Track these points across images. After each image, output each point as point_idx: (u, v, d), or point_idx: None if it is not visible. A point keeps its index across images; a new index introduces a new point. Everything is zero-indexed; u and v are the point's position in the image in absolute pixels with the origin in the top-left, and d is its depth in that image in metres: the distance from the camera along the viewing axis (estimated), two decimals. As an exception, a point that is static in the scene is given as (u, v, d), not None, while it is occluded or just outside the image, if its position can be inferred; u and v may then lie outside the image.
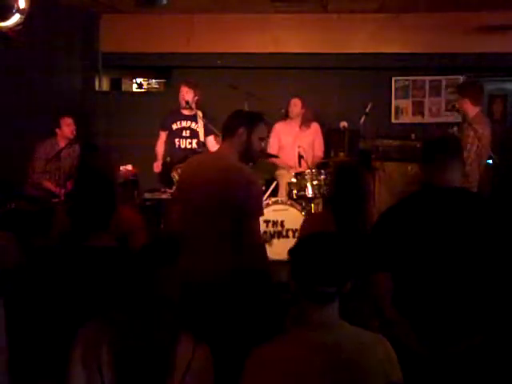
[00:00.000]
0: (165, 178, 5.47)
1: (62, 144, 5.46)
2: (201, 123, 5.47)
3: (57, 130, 5.49)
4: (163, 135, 5.55)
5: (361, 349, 1.77)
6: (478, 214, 2.32)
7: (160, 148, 5.56)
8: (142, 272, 1.84)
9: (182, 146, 5.50)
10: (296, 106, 5.86)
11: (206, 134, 5.54)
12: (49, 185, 5.34)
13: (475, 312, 2.25)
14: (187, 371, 1.81)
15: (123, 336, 1.81)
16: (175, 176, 5.38)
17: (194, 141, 5.51)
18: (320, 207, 5.41)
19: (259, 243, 2.91)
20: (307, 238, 1.94)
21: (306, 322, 1.82)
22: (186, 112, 5.49)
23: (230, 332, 2.72)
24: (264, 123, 3.04)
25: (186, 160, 3.43)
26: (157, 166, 5.50)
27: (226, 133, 2.97)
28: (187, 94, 5.43)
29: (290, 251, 1.89)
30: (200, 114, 5.45)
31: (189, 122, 5.50)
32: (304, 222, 3.48)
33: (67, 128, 5.47)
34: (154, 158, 5.58)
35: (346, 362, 1.74)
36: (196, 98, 5.48)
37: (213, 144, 5.52)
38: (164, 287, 1.83)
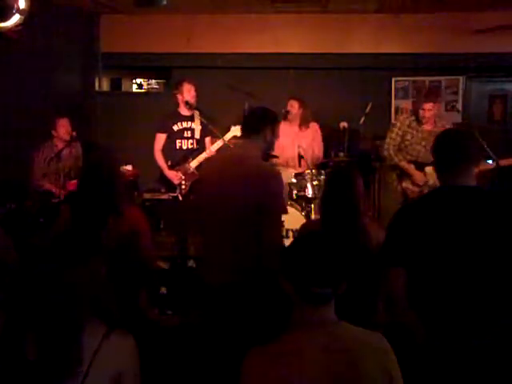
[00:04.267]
0: (164, 179, 5.46)
1: (60, 145, 5.44)
2: (197, 122, 5.47)
3: (53, 132, 5.45)
4: (162, 138, 5.46)
5: (359, 347, 1.77)
6: (494, 212, 2.32)
7: (160, 154, 5.48)
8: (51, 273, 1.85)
9: (184, 147, 5.46)
10: (293, 107, 5.85)
11: (204, 135, 5.53)
12: (50, 187, 5.30)
13: (491, 309, 2.26)
14: (91, 363, 1.79)
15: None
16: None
17: (195, 140, 5.50)
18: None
19: (277, 243, 2.88)
20: (300, 239, 1.94)
21: (302, 322, 1.82)
22: (184, 112, 5.48)
23: (242, 330, 2.76)
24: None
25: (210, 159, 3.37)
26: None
27: (250, 130, 2.96)
28: (191, 91, 5.41)
29: (284, 253, 1.88)
30: (197, 113, 5.45)
31: (189, 123, 5.49)
32: (301, 227, 3.47)
33: (62, 129, 5.41)
34: (159, 166, 5.47)
35: (345, 361, 1.74)
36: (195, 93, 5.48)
37: (208, 143, 5.52)
38: (74, 286, 1.84)
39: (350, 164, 5.62)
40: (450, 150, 2.43)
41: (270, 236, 2.85)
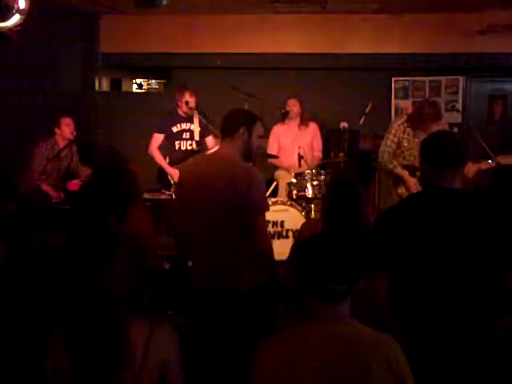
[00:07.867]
0: (164, 179, 5.47)
1: (61, 144, 5.45)
2: (196, 123, 5.47)
3: (56, 130, 5.47)
4: (159, 138, 5.48)
5: (365, 347, 1.77)
6: (478, 216, 2.31)
7: (157, 151, 5.50)
8: (84, 267, 1.93)
9: (183, 148, 5.48)
10: (295, 106, 5.85)
11: (205, 135, 5.53)
12: (47, 188, 5.28)
13: (473, 313, 2.25)
14: (147, 352, 1.87)
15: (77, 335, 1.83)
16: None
17: (194, 142, 5.51)
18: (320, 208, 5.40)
19: (266, 240, 2.93)
20: (317, 236, 1.94)
21: (314, 318, 1.83)
22: (184, 114, 5.49)
23: (238, 329, 2.79)
24: (260, 121, 3.06)
25: (184, 162, 3.41)
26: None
27: (226, 132, 2.97)
28: (191, 100, 5.41)
29: (300, 250, 1.88)
30: (196, 114, 5.45)
31: (188, 124, 5.50)
32: (302, 225, 3.47)
33: (67, 128, 5.46)
34: (157, 163, 5.49)
35: (348, 358, 1.74)
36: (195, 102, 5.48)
37: (212, 144, 5.52)
38: (108, 278, 1.92)
39: (350, 168, 5.62)
40: (435, 152, 2.41)
41: (264, 234, 2.89)
